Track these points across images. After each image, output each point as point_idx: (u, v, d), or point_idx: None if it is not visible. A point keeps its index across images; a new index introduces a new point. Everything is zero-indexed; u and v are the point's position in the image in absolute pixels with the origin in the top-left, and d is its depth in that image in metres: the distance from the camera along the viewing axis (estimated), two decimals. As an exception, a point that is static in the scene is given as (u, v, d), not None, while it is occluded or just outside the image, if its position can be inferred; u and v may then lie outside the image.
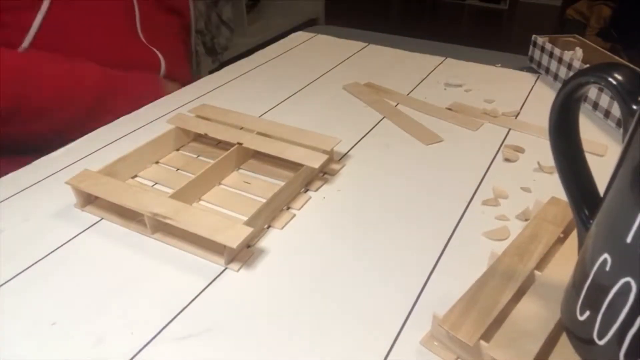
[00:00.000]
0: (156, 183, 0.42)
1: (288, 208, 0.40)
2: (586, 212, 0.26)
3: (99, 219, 0.38)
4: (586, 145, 0.29)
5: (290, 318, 0.30)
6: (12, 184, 0.41)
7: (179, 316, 0.30)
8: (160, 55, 0.66)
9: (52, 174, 0.43)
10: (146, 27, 0.64)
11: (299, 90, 0.60)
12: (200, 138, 0.48)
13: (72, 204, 0.39)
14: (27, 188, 0.41)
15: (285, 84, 0.62)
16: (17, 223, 0.37)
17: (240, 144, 0.44)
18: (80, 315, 0.30)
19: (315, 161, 0.41)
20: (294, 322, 0.30)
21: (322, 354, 0.28)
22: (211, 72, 0.66)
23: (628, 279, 0.22)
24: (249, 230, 0.33)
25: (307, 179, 0.42)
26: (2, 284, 0.32)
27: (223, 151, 0.43)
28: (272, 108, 0.56)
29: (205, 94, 0.59)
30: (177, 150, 0.46)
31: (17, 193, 0.40)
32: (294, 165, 0.42)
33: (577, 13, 2.90)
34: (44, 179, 0.42)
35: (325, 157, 0.42)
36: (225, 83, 0.62)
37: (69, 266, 0.34)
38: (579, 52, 0.62)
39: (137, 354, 0.28)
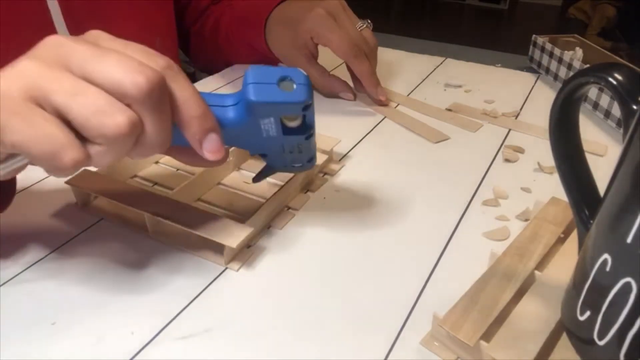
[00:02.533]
0: (156, 183, 0.42)
1: (288, 208, 0.40)
2: (586, 212, 0.26)
3: (99, 219, 0.38)
4: (586, 145, 0.29)
5: (290, 318, 0.30)
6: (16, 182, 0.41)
7: (180, 316, 0.30)
8: None
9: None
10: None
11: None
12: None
13: (72, 203, 0.39)
14: (27, 188, 0.41)
15: (285, 84, 0.61)
16: (17, 223, 0.37)
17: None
18: (80, 315, 0.30)
19: None
20: (294, 322, 0.30)
21: (322, 354, 0.28)
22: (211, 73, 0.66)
23: (628, 279, 0.22)
24: (248, 230, 0.33)
25: (307, 179, 0.42)
26: (2, 284, 0.32)
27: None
28: (272, 108, 0.56)
29: (205, 94, 0.59)
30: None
31: (17, 193, 0.40)
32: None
33: (579, 12, 2.90)
34: (44, 178, 0.42)
35: (324, 157, 0.42)
36: (226, 84, 0.62)
37: (69, 266, 0.34)
38: (579, 52, 0.62)
39: (137, 354, 0.28)
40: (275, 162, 0.35)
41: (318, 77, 0.57)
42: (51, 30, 0.50)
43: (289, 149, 0.33)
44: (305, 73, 0.29)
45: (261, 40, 0.60)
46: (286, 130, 0.31)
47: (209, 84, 0.61)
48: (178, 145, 0.30)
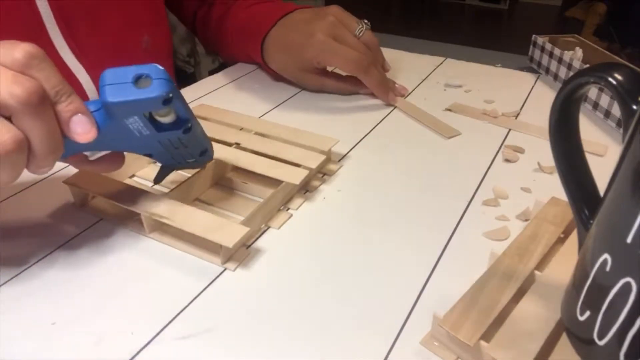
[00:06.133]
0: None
1: (287, 209, 0.40)
2: (586, 212, 0.26)
3: (98, 219, 0.38)
4: (586, 145, 0.29)
5: (290, 318, 0.30)
6: (12, 184, 0.41)
7: (179, 316, 0.30)
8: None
9: (52, 174, 0.43)
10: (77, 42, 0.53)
11: (299, 91, 0.60)
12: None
13: (71, 203, 0.39)
14: (27, 188, 0.41)
15: (286, 85, 0.62)
16: (18, 221, 0.37)
17: (237, 144, 0.43)
18: (80, 315, 0.30)
19: (312, 161, 0.41)
20: (293, 322, 0.30)
21: (322, 354, 0.28)
22: (211, 72, 0.66)
23: (628, 279, 0.22)
24: (245, 229, 0.33)
25: (305, 179, 0.42)
26: (2, 284, 0.32)
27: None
28: (273, 108, 0.56)
29: (205, 94, 0.59)
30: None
31: (17, 193, 0.40)
32: (291, 166, 0.42)
33: (578, 12, 2.93)
34: (44, 178, 0.42)
35: (322, 157, 0.42)
36: (226, 83, 0.62)
37: (68, 266, 0.34)
38: (579, 52, 0.62)
39: (137, 354, 0.28)
40: (165, 159, 0.35)
41: (334, 84, 0.59)
42: (42, 32, 0.50)
43: (172, 145, 0.33)
44: (161, 67, 0.29)
45: (259, 58, 0.61)
46: (160, 127, 0.31)
47: (211, 83, 0.61)
48: (73, 153, 0.31)
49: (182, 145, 0.33)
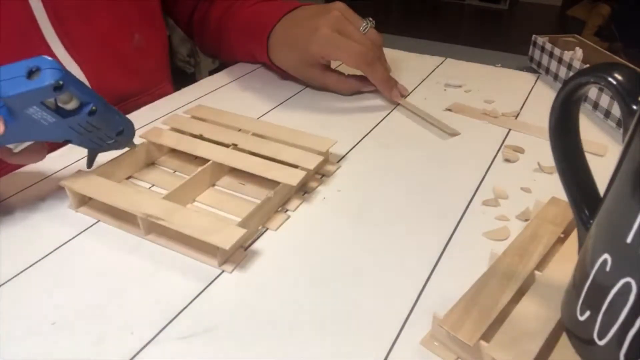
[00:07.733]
0: (153, 185, 0.42)
1: (285, 210, 0.40)
2: (586, 212, 0.26)
3: (96, 220, 0.38)
4: (586, 145, 0.29)
5: (289, 319, 0.30)
6: (12, 184, 0.41)
7: (179, 316, 0.30)
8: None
9: (52, 174, 0.43)
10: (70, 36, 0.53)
11: (300, 91, 0.60)
12: (196, 139, 0.47)
13: (68, 205, 0.39)
14: (26, 188, 0.41)
15: (286, 84, 0.62)
16: (16, 223, 0.37)
17: (235, 145, 0.43)
18: (80, 315, 0.30)
19: (310, 162, 0.41)
20: (293, 322, 0.30)
21: (322, 354, 0.28)
22: (211, 72, 0.66)
23: (628, 279, 0.22)
24: (242, 231, 0.33)
25: (303, 180, 0.42)
26: (2, 284, 0.32)
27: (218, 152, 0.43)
28: (273, 108, 0.56)
29: (205, 94, 0.59)
30: (172, 151, 0.46)
31: (17, 193, 0.40)
32: (289, 167, 0.42)
33: (578, 12, 2.93)
34: (43, 179, 0.42)
35: (320, 158, 0.42)
36: (226, 83, 0.62)
37: (68, 266, 0.34)
38: (579, 52, 0.62)
39: (137, 354, 0.28)
40: (85, 143, 0.37)
41: (336, 83, 0.59)
42: (35, 28, 0.50)
43: (84, 129, 0.36)
44: (50, 58, 0.32)
45: (264, 56, 0.61)
46: (64, 113, 0.34)
47: (211, 84, 0.61)
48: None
49: (95, 127, 0.36)
